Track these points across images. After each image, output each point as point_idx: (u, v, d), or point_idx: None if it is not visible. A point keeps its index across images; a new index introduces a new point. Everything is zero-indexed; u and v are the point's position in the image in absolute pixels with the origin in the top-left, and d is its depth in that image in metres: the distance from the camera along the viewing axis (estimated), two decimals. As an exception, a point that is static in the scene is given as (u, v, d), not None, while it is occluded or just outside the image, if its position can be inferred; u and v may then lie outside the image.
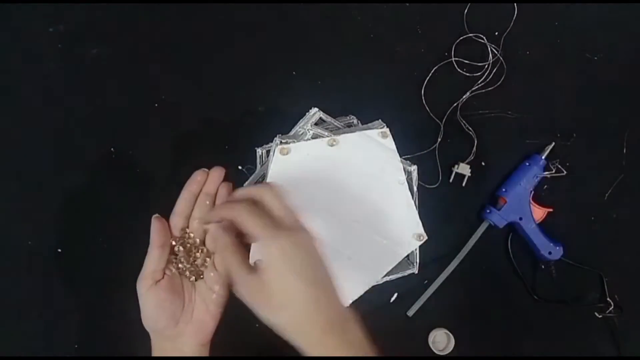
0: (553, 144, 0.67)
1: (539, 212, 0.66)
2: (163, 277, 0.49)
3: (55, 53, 0.65)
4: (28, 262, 0.64)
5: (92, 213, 0.65)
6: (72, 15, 0.66)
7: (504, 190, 0.66)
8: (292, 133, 0.57)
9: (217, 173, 0.52)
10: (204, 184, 0.51)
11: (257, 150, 0.62)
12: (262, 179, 0.56)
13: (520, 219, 0.65)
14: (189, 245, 0.51)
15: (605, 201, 0.70)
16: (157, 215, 0.50)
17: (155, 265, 0.48)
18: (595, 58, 0.70)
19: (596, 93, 0.70)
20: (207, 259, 0.52)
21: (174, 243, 0.51)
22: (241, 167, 0.65)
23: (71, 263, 0.64)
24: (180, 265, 0.51)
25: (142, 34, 0.67)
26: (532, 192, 0.66)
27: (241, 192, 0.47)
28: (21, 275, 0.64)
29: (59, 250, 0.64)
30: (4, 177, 0.64)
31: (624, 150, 0.70)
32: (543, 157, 0.67)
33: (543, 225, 0.66)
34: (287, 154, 0.52)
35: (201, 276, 0.52)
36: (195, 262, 0.52)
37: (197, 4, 0.67)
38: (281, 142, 0.52)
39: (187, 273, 0.51)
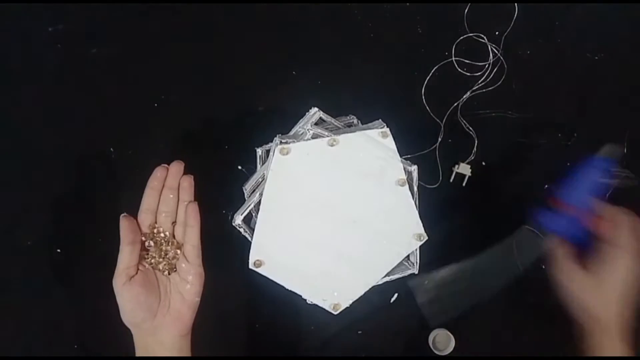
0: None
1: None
2: (137, 273, 0.51)
3: (55, 53, 0.65)
4: (28, 262, 0.64)
5: (92, 213, 0.65)
6: (72, 15, 0.66)
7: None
8: (292, 133, 0.57)
9: (176, 167, 0.53)
10: (165, 179, 0.53)
11: (257, 150, 0.62)
12: (262, 179, 0.56)
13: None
14: (159, 240, 0.53)
15: (605, 201, 0.70)
16: (124, 214, 0.51)
17: (127, 262, 0.50)
18: (596, 58, 0.70)
19: (596, 93, 0.70)
20: (178, 251, 0.53)
21: (144, 239, 0.53)
22: (241, 167, 0.65)
23: (71, 263, 0.64)
24: (152, 261, 0.53)
25: (142, 34, 0.67)
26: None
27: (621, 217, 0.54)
28: (21, 275, 0.64)
29: (59, 250, 0.64)
30: (3, 176, 0.64)
31: (625, 150, 0.70)
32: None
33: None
34: (287, 154, 0.52)
35: (174, 269, 0.54)
36: (167, 256, 0.53)
37: (197, 4, 0.67)
38: (281, 142, 0.52)
39: (160, 267, 0.53)
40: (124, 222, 0.51)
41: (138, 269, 0.51)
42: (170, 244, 0.53)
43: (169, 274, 0.53)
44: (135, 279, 0.50)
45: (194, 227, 0.52)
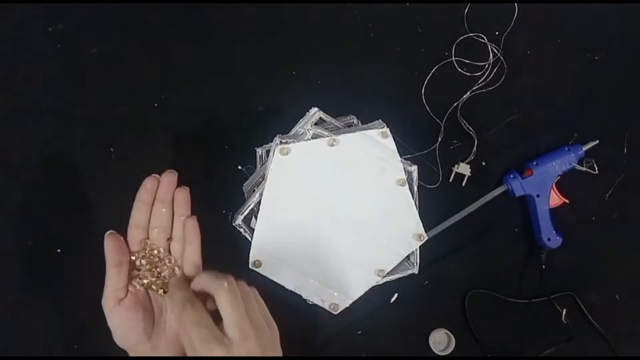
0: (597, 141, 0.67)
1: (556, 199, 0.66)
2: (126, 295, 0.46)
3: (55, 53, 0.65)
4: (28, 262, 0.64)
5: (92, 213, 0.65)
6: (72, 15, 0.66)
7: (535, 163, 0.66)
8: (292, 133, 0.57)
9: (169, 178, 0.47)
10: (157, 191, 0.48)
11: (257, 150, 0.62)
12: (262, 179, 0.56)
13: (538, 196, 0.66)
14: (152, 257, 0.48)
15: (605, 201, 0.70)
16: (110, 231, 0.47)
17: (114, 285, 0.45)
18: (596, 58, 0.70)
19: (596, 93, 0.70)
20: (176, 269, 0.49)
21: (134, 258, 0.48)
22: (241, 167, 0.65)
23: (71, 263, 0.64)
24: (145, 281, 0.48)
25: (142, 34, 0.67)
26: (559, 177, 0.66)
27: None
28: (21, 275, 0.64)
29: (59, 250, 0.64)
30: (3, 177, 0.64)
31: (624, 150, 0.70)
32: (584, 149, 0.67)
33: (553, 214, 0.66)
34: (287, 154, 0.52)
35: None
36: (162, 275, 0.48)
37: (197, 4, 0.67)
38: (281, 142, 0.52)
39: (154, 287, 0.48)
40: (109, 242, 0.46)
41: (128, 290, 0.46)
42: (166, 261, 0.49)
43: (164, 292, 0.48)
44: (124, 302, 0.46)
45: (194, 244, 0.48)
